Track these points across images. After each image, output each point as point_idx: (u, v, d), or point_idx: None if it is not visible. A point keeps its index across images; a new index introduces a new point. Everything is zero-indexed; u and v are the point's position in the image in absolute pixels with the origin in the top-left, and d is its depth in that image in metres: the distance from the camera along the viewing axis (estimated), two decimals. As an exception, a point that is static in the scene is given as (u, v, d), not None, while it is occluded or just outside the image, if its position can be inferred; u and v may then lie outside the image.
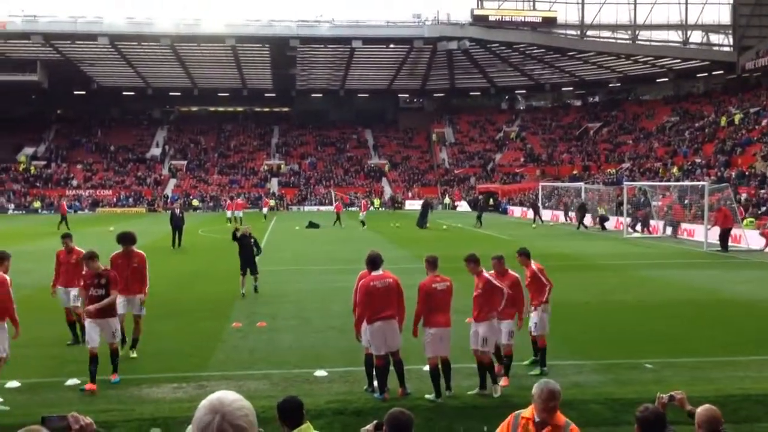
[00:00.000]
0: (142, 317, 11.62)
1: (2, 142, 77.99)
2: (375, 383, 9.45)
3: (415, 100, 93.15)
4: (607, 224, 40.67)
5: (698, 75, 73.76)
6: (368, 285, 9.26)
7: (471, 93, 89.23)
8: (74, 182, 73.24)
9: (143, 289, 11.55)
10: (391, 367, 9.42)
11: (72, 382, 9.94)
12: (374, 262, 9.46)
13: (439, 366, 9.29)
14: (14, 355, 10.21)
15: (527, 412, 5.19)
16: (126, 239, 11.70)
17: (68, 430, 3.15)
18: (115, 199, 70.47)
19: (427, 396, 9.19)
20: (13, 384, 9.78)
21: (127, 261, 11.50)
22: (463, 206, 67.39)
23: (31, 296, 15.83)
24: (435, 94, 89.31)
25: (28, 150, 78.75)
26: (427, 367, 9.55)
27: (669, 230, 35.93)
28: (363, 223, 42.44)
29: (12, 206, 67.06)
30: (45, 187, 71.87)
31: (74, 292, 11.97)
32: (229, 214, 46.67)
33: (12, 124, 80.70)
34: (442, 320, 9.33)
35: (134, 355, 11.37)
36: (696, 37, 70.68)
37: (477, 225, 42.50)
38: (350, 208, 60.24)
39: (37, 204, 67.61)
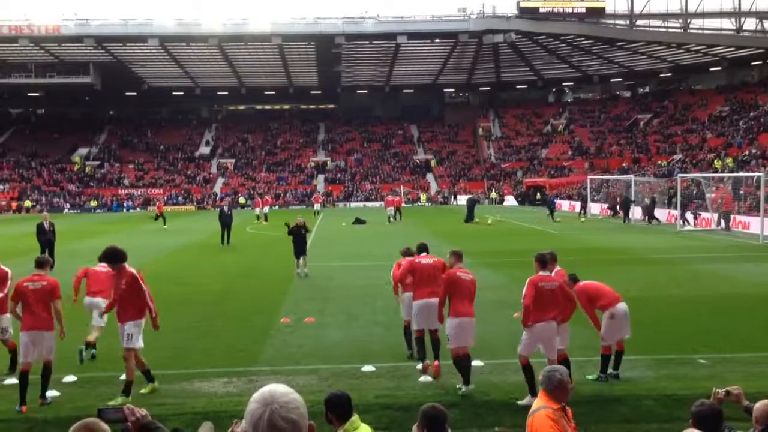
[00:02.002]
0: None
1: (58, 143, 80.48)
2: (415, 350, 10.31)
3: (460, 94, 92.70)
4: (631, 212, 40.55)
5: (753, 63, 71.65)
6: (413, 261, 10.36)
7: (517, 86, 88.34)
8: (126, 181, 74.95)
9: (139, 315, 9.16)
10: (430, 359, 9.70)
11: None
12: (420, 249, 10.79)
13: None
14: (71, 349, 10.50)
15: (551, 403, 5.01)
16: (108, 257, 9.40)
17: (124, 422, 3.23)
18: (165, 198, 71.86)
19: (458, 386, 9.19)
20: (70, 378, 10.04)
21: (117, 282, 9.29)
22: (509, 201, 66.78)
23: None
24: (481, 88, 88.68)
25: (82, 150, 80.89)
26: (477, 362, 9.56)
27: (723, 223, 35.05)
28: (389, 218, 43.21)
29: (68, 205, 69.00)
30: (99, 186, 73.72)
31: (6, 316, 10.22)
32: (257, 211, 47.63)
33: (67, 125, 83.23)
34: (468, 310, 9.36)
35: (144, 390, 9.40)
36: (750, 24, 68.67)
37: (552, 219, 41.93)
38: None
39: (93, 203, 69.53)
